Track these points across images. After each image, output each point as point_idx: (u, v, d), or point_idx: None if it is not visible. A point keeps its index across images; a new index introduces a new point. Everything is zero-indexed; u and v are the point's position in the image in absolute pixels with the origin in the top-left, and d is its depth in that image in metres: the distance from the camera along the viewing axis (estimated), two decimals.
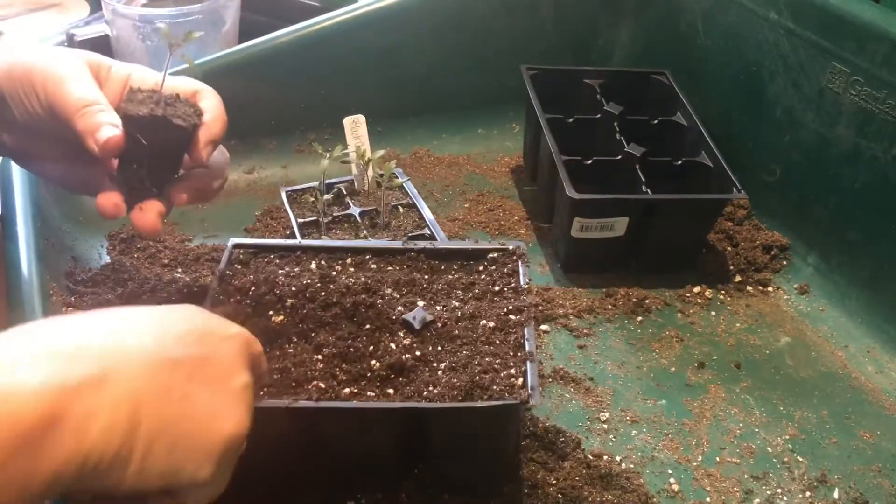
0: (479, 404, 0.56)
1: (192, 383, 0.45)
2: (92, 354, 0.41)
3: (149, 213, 0.62)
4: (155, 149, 0.58)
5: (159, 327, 0.46)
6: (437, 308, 0.66)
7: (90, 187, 0.65)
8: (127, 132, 0.57)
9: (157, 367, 0.44)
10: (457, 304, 0.67)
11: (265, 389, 0.58)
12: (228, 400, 0.47)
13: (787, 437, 0.74)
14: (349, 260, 0.71)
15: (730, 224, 1.00)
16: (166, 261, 0.87)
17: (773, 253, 0.97)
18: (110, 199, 0.60)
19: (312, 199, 0.88)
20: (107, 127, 0.57)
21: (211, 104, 0.62)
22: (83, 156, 0.60)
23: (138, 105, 0.57)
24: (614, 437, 0.73)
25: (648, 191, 0.90)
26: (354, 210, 0.89)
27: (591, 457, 0.69)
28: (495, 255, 0.72)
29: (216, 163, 0.65)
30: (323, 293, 0.66)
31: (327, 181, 0.89)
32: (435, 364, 0.61)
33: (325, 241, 0.75)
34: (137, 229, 0.62)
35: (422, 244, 0.72)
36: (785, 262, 0.96)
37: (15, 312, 0.70)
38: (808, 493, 0.69)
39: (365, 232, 0.86)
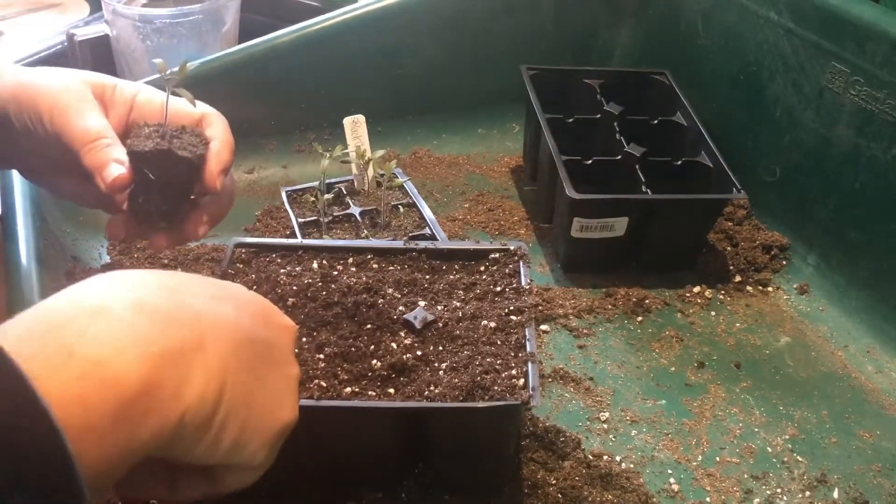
0: (481, 405, 0.56)
1: (263, 364, 0.45)
2: (186, 318, 0.41)
3: (162, 240, 0.63)
4: (163, 181, 0.59)
5: (235, 301, 0.46)
6: (438, 308, 0.66)
7: (106, 204, 0.65)
8: (134, 167, 0.57)
9: (240, 341, 0.43)
10: (458, 304, 0.67)
11: None
12: (287, 387, 0.47)
13: (787, 437, 0.74)
14: (350, 259, 0.71)
15: (730, 224, 1.00)
16: (166, 261, 0.87)
17: (773, 253, 0.97)
18: (114, 227, 0.62)
19: (313, 198, 0.88)
20: (114, 165, 0.57)
21: (217, 130, 0.62)
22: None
23: (144, 140, 0.58)
24: (614, 437, 0.73)
25: (648, 191, 0.90)
26: (355, 210, 0.89)
27: (591, 457, 0.69)
28: (497, 255, 0.72)
29: (226, 187, 0.64)
30: (324, 292, 0.66)
31: (327, 181, 0.89)
32: (436, 364, 0.61)
33: (326, 241, 0.75)
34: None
35: (423, 244, 0.72)
36: (785, 262, 0.96)
37: (15, 313, 0.69)
38: (807, 493, 0.69)
39: (366, 232, 0.86)
